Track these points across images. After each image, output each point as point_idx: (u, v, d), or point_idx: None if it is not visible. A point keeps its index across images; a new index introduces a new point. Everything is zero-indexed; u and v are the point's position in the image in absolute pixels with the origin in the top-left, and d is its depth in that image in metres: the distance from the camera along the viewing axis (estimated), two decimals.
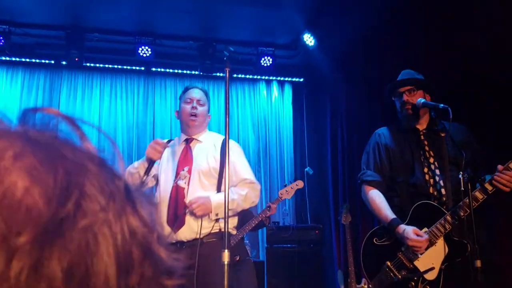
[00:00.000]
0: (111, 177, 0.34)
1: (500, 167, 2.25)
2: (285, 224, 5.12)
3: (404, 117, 2.53)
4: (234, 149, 2.58)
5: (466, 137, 2.48)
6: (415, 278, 2.31)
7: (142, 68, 5.86)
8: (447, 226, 2.30)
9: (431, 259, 2.30)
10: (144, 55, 5.31)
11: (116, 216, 0.32)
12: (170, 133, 5.94)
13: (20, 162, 0.30)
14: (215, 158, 2.54)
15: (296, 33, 5.43)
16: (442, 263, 2.29)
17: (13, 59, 5.39)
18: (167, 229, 2.35)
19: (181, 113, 2.65)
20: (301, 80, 6.36)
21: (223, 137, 2.61)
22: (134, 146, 5.80)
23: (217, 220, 2.39)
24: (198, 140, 2.65)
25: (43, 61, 5.55)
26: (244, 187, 2.51)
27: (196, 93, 2.65)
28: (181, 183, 2.47)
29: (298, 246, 4.76)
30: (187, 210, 2.35)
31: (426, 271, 2.30)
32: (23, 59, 5.46)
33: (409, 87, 2.54)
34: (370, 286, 2.40)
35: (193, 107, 2.59)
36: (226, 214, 1.90)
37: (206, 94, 2.72)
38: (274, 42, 5.64)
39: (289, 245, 4.75)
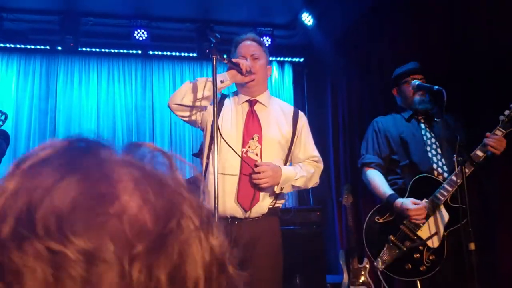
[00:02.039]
0: (199, 203, 0.42)
1: (488, 134, 2.33)
2: (286, 206, 5.11)
3: (417, 101, 2.56)
4: (305, 121, 2.31)
5: (456, 123, 2.54)
6: (420, 248, 2.34)
7: (139, 52, 5.78)
8: (445, 194, 2.35)
9: (433, 228, 2.35)
10: (140, 38, 5.23)
11: (205, 235, 0.39)
12: (170, 116, 5.89)
13: (137, 188, 0.38)
14: (287, 128, 2.22)
15: (294, 12, 5.32)
16: (445, 230, 2.34)
17: (7, 45, 5.33)
18: (236, 208, 2.04)
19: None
20: (301, 60, 6.27)
21: (291, 106, 2.39)
22: (133, 131, 5.76)
23: (276, 196, 2.14)
24: (262, 104, 2.23)
25: (38, 46, 5.48)
26: (311, 166, 2.27)
27: (248, 47, 2.22)
28: (252, 154, 2.10)
29: (300, 228, 4.75)
30: (254, 180, 2.01)
31: (429, 238, 2.33)
32: (18, 45, 5.40)
33: (422, 76, 2.62)
34: (375, 264, 2.40)
35: None
36: (216, 199, 1.80)
37: (261, 43, 2.30)
38: (272, 22, 5.53)
39: (291, 227, 4.74)
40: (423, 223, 2.34)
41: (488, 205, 2.75)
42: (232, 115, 2.17)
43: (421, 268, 2.31)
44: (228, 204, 2.04)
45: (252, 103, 2.23)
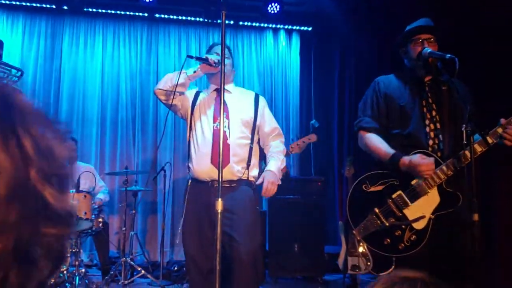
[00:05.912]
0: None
1: (503, 120, 2.18)
2: (288, 176, 5.13)
3: (420, 66, 2.36)
4: (265, 103, 2.89)
5: (466, 93, 2.36)
6: (403, 227, 2.26)
7: (146, 15, 5.70)
8: (442, 176, 2.23)
9: (421, 209, 2.25)
10: (147, 0, 5.14)
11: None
12: None
13: None
14: (249, 107, 2.79)
15: None
16: (433, 213, 2.24)
17: (13, 3, 5.24)
18: (211, 169, 2.58)
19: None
20: (310, 29, 6.16)
21: (252, 92, 2.95)
22: (137, 95, 5.75)
23: (247, 168, 2.67)
24: (227, 91, 2.76)
25: (43, 5, 5.39)
26: (280, 144, 2.83)
27: (218, 48, 2.75)
28: (221, 126, 2.42)
29: (300, 197, 4.79)
30: (268, 194, 2.61)
31: (416, 220, 2.24)
32: (23, 3, 5.31)
33: (430, 36, 2.39)
34: (354, 232, 2.31)
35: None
36: (220, 165, 1.99)
37: (229, 49, 2.93)
38: None
39: (291, 196, 4.79)
40: (423, 191, 2.23)
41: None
42: (206, 101, 2.79)
43: (399, 246, 2.25)
44: (205, 165, 2.59)
45: (219, 90, 2.59)
